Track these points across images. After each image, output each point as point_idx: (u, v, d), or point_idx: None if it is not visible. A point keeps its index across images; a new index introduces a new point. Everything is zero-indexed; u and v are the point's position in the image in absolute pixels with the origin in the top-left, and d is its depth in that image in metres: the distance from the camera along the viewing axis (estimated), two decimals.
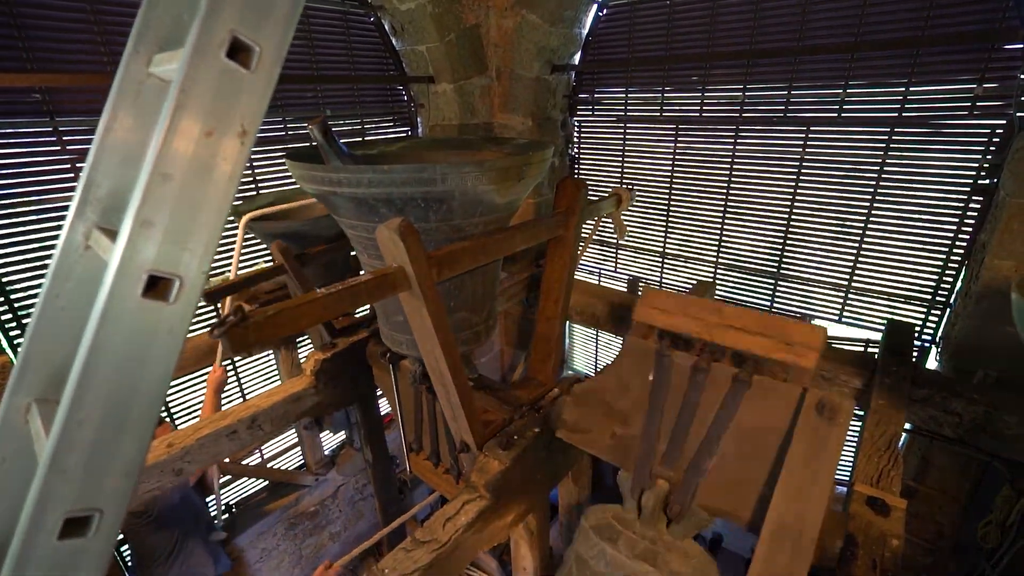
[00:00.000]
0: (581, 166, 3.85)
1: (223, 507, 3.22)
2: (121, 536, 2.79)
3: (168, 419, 2.83)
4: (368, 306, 2.78)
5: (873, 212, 2.65)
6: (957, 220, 2.41)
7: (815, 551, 1.02)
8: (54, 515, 0.51)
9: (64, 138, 2.15)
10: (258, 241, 2.92)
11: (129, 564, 2.80)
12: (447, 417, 1.59)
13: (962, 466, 2.37)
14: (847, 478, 1.75)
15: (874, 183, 2.61)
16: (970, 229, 2.37)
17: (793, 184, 2.88)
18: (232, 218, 2.62)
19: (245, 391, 3.16)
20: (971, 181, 2.32)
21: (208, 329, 0.80)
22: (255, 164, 2.84)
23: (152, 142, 0.52)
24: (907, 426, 1.99)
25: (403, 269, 1.17)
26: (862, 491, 1.33)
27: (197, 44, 0.53)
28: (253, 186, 2.85)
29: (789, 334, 1.22)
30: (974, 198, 2.33)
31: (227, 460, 2.64)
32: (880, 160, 2.56)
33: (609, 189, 3.69)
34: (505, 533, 1.60)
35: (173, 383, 2.79)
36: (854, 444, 1.91)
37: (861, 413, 1.82)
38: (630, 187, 2.12)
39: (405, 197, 1.31)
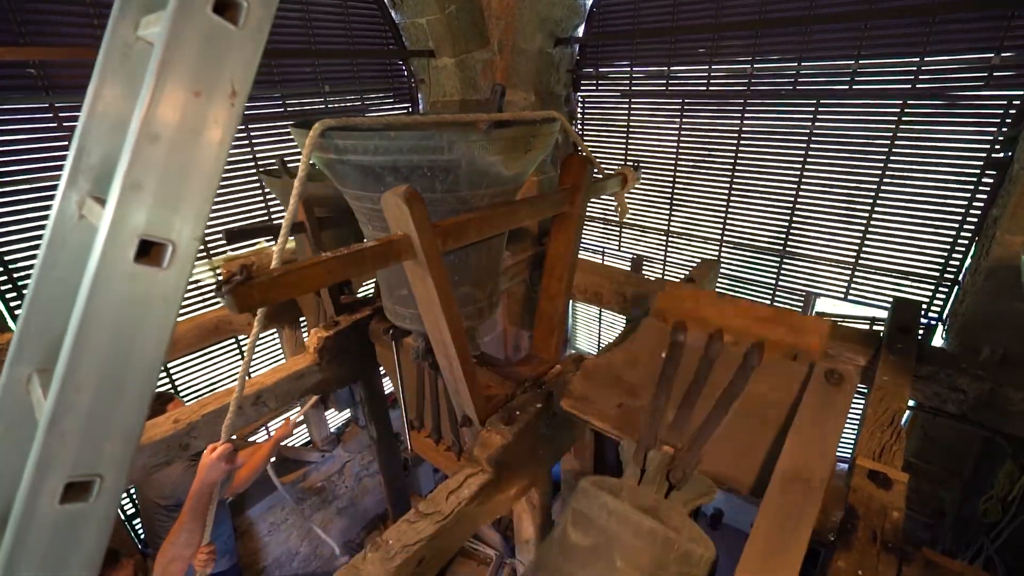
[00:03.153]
0: (585, 142, 3.79)
1: None
2: (134, 511, 2.85)
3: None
4: (372, 284, 2.77)
5: (882, 188, 2.60)
6: (969, 195, 2.37)
7: (815, 521, 1.02)
8: (54, 479, 0.51)
9: (60, 114, 2.13)
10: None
11: (142, 535, 2.87)
12: (450, 391, 1.59)
13: (964, 443, 2.38)
14: (849, 454, 1.75)
15: (884, 158, 2.55)
16: (982, 204, 2.33)
17: (801, 160, 2.82)
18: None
19: (250, 369, 3.19)
20: (985, 155, 2.27)
21: (215, 287, 0.79)
22: (254, 142, 2.81)
23: (138, 102, 0.50)
24: (911, 403, 1.98)
25: (408, 236, 1.16)
26: (864, 465, 1.33)
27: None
28: (252, 163, 2.83)
29: (798, 323, 1.35)
30: (987, 172, 2.28)
31: (234, 436, 2.68)
32: (891, 134, 2.50)
33: (613, 166, 3.65)
34: (508, 506, 1.62)
35: (179, 362, 2.81)
36: (857, 420, 1.91)
37: (865, 390, 1.82)
38: (635, 165, 2.10)
39: (411, 165, 1.30)
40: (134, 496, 2.84)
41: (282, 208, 2.89)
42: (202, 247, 2.64)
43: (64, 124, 2.16)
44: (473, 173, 1.35)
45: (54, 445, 0.51)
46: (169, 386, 2.81)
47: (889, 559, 1.06)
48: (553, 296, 1.87)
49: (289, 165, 2.24)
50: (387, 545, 1.27)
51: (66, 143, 2.18)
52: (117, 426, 0.54)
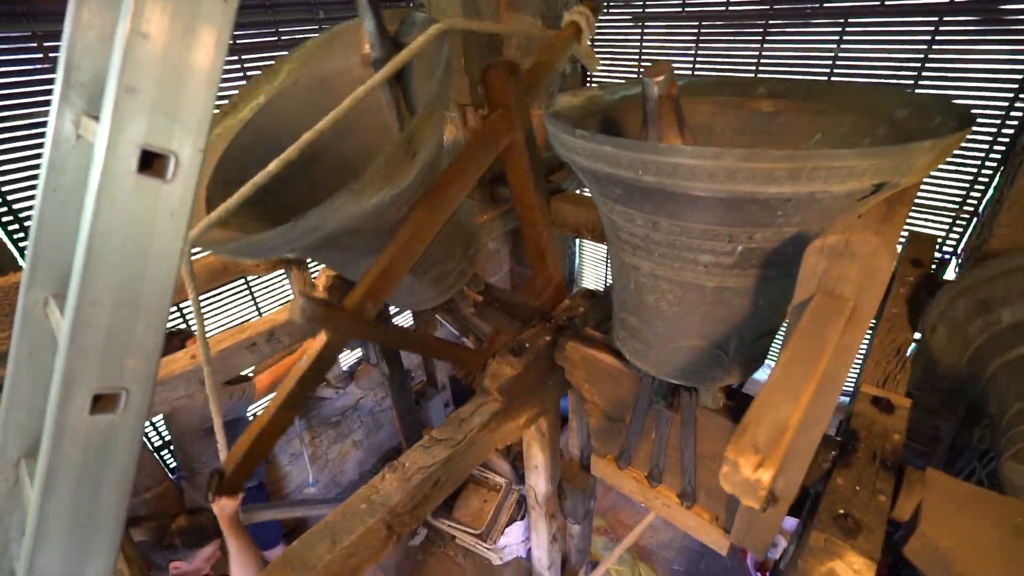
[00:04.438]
0: (594, 73, 3.60)
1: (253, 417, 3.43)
2: (162, 443, 3.00)
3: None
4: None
5: None
6: (997, 123, 2.25)
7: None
8: (81, 391, 0.53)
9: (44, 43, 2.03)
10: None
11: (172, 465, 3.05)
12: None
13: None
14: (852, 388, 1.78)
15: (912, 84, 2.41)
16: (1011, 132, 2.22)
17: None
18: None
19: (260, 308, 3.25)
20: (1021, 77, 2.14)
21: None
22: (248, 75, 2.68)
23: None
24: (916, 336, 1.99)
25: (328, 342, 1.22)
26: (868, 392, 1.36)
27: None
28: None
29: None
30: (1020, 96, 2.16)
31: (251, 372, 2.77)
32: (922, 56, 2.34)
33: None
34: (518, 434, 1.68)
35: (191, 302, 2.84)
36: (864, 351, 1.93)
37: (873, 322, 1.82)
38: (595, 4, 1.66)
39: (313, 246, 1.24)
40: (161, 429, 2.98)
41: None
42: None
43: (50, 55, 2.06)
44: (370, 221, 1.15)
45: (77, 359, 0.52)
46: (183, 326, 2.87)
47: (887, 476, 1.10)
48: (530, 223, 1.79)
49: None
50: (404, 468, 1.33)
51: (54, 75, 2.09)
52: (137, 342, 0.55)
